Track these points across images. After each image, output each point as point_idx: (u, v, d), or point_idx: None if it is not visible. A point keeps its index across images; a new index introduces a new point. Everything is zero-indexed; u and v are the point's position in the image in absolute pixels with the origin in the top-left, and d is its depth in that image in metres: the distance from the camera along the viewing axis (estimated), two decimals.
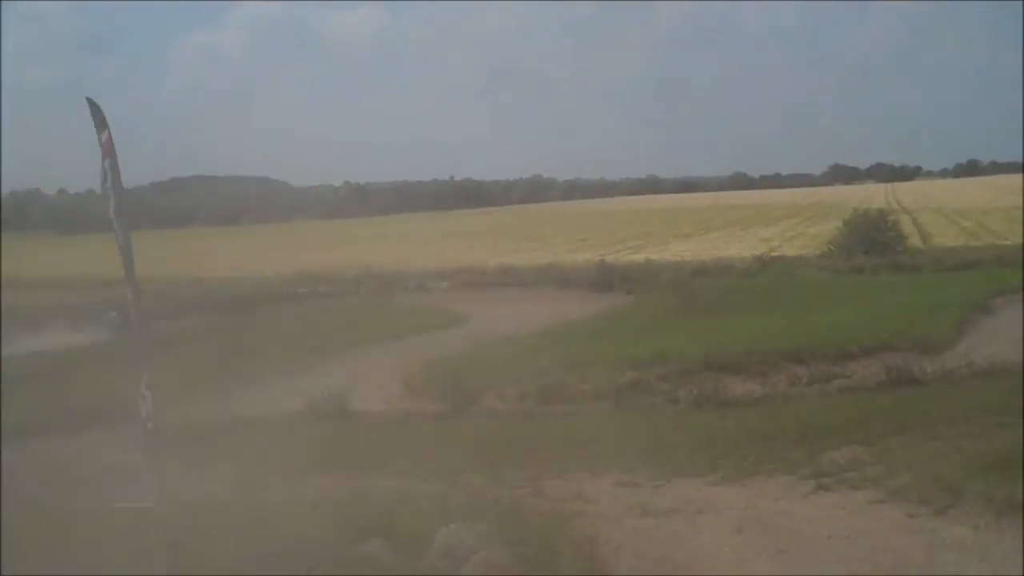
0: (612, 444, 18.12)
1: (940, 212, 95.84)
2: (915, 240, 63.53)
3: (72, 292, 54.44)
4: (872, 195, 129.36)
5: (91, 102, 10.10)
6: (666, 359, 25.47)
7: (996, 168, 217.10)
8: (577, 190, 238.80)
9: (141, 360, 10.06)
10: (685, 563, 10.82)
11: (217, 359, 31.11)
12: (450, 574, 9.30)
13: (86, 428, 21.99)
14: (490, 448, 18.54)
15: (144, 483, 11.82)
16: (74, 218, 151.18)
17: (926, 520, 11.54)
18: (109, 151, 9.94)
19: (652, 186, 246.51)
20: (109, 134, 10.02)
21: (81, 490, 15.86)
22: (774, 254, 59.82)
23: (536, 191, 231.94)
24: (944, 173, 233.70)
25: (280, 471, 17.94)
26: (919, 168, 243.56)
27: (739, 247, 69.09)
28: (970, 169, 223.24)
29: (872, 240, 54.62)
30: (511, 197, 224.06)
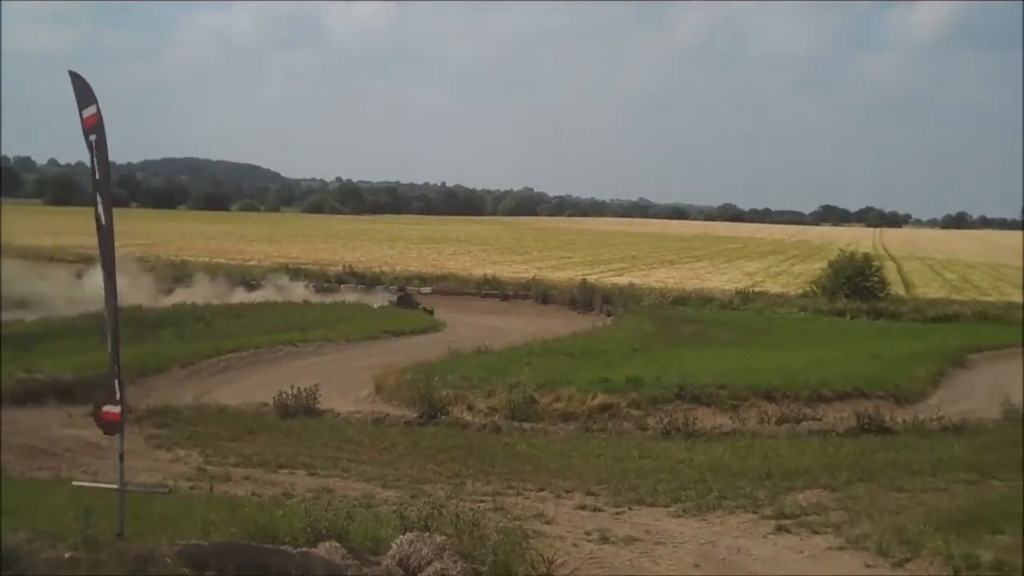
0: (577, 466, 18.10)
1: (925, 262, 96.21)
2: (898, 288, 63.66)
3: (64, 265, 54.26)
4: (859, 238, 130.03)
5: (75, 76, 9.91)
6: (639, 385, 25.44)
7: (985, 223, 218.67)
8: (566, 207, 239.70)
9: (112, 339, 9.89)
10: None
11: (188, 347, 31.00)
12: None
13: None
14: (455, 459, 18.51)
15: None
16: (64, 189, 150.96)
17: (883, 571, 11.47)
18: (94, 127, 9.79)
19: (642, 210, 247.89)
20: (98, 109, 9.87)
21: None
22: (756, 289, 59.85)
23: (526, 204, 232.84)
24: (933, 223, 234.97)
25: (243, 463, 17.92)
26: (908, 216, 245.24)
27: (722, 279, 69.19)
28: (959, 221, 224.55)
29: (855, 284, 54.61)
30: (500, 208, 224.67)
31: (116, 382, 9.60)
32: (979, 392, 28.35)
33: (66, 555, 8.53)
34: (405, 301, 49.27)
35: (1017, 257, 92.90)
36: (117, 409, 9.68)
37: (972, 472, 17.47)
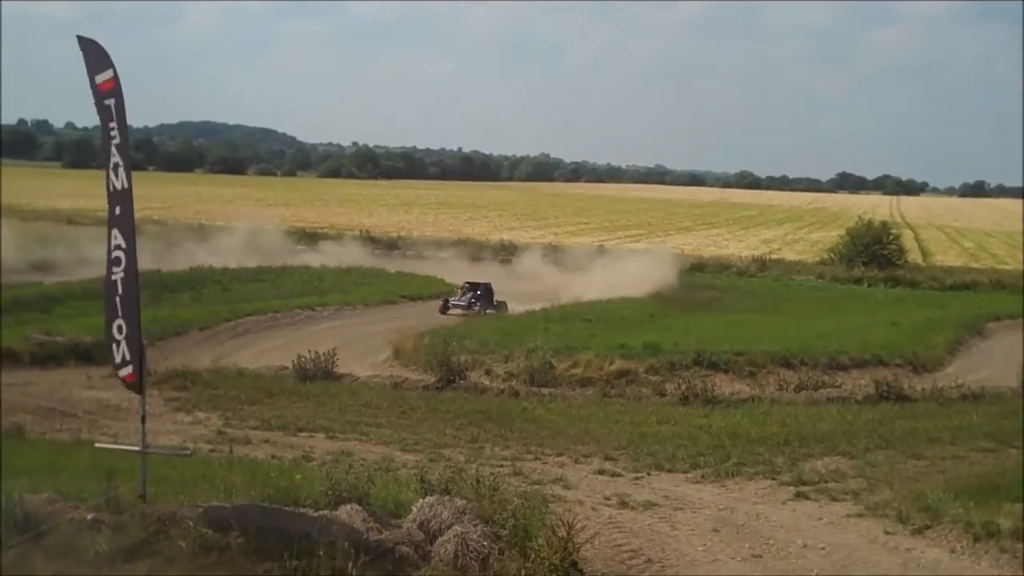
0: (595, 432, 18.08)
1: (943, 230, 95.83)
2: (915, 256, 63.47)
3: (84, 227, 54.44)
4: (876, 206, 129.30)
5: (87, 41, 9.66)
6: (657, 351, 25.46)
7: (1002, 191, 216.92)
8: (583, 173, 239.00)
9: (131, 302, 9.84)
10: (658, 559, 10.73)
11: (207, 310, 31.04)
12: (423, 546, 9.26)
13: None
14: (474, 424, 18.52)
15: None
16: (82, 152, 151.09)
17: (903, 539, 11.45)
18: (111, 91, 9.63)
19: (658, 176, 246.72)
20: (114, 73, 9.68)
21: None
22: (773, 257, 59.67)
23: (542, 170, 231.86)
24: (950, 191, 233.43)
25: (262, 426, 17.98)
26: (926, 184, 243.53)
27: (739, 246, 69.01)
28: (976, 190, 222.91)
29: (873, 252, 54.45)
30: (517, 173, 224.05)
31: (140, 345, 9.56)
32: (997, 360, 28.28)
33: (88, 517, 8.55)
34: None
35: None
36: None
37: (991, 440, 17.44)
